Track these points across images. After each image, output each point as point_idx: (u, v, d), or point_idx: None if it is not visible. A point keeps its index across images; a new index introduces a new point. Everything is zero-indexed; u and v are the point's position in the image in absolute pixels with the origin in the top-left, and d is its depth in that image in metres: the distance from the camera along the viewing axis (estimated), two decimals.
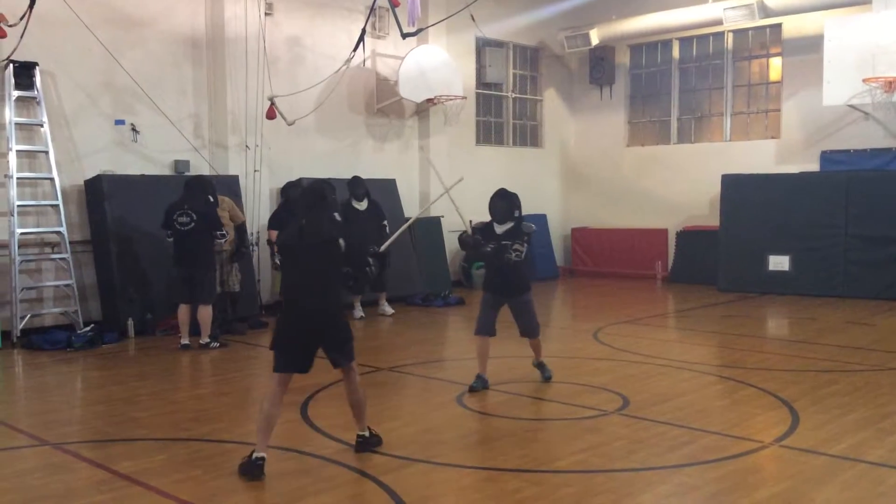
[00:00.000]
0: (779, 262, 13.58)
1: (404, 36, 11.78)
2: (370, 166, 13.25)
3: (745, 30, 15.21)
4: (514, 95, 16.62)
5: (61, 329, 9.77)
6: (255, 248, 11.74)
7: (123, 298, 10.18)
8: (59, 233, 10.10)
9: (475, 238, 7.16)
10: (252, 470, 4.99)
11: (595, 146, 17.16)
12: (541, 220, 16.55)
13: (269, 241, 10.88)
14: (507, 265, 6.98)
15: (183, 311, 9.35)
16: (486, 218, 7.34)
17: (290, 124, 11.93)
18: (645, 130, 16.82)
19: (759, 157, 14.82)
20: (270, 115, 11.71)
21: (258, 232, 11.83)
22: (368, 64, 13.53)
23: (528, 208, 16.31)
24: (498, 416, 6.42)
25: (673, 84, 16.29)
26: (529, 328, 7.28)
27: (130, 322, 10.04)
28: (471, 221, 7.51)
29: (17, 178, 9.81)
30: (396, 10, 11.17)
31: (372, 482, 4.92)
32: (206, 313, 9.28)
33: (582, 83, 17.20)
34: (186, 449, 5.53)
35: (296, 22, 12.67)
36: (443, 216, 13.71)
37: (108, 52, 10.37)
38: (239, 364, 8.66)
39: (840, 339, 9.54)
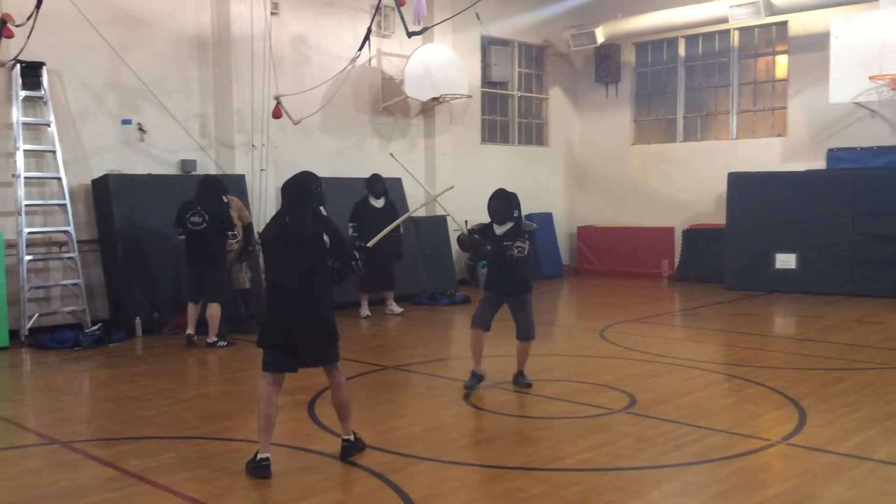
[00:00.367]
0: (785, 260, 13.55)
1: (410, 35, 11.79)
2: (376, 165, 13.22)
3: (751, 27, 15.18)
4: (519, 94, 16.61)
5: (69, 328, 9.80)
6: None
7: (131, 297, 10.20)
8: (66, 232, 10.13)
9: (472, 238, 7.08)
10: (258, 470, 4.99)
11: (601, 144, 17.15)
12: (546, 218, 16.57)
13: None
14: (509, 262, 6.88)
15: (191, 307, 9.45)
16: (485, 216, 7.27)
17: (295, 123, 11.95)
18: (651, 128, 16.80)
19: (766, 155, 14.79)
20: (276, 114, 11.73)
21: None
22: (374, 63, 13.53)
23: (533, 207, 16.54)
24: (504, 415, 6.42)
25: (679, 82, 16.26)
26: (526, 330, 7.14)
27: (138, 321, 10.07)
28: (466, 222, 7.49)
29: (25, 178, 9.84)
30: (402, 8, 11.18)
31: (379, 480, 4.93)
32: (213, 312, 9.32)
33: (587, 81, 17.18)
34: (194, 447, 5.55)
35: (301, 21, 12.69)
36: (448, 215, 13.69)
37: (115, 52, 10.40)
38: (246, 363, 8.66)
39: (847, 338, 9.52)
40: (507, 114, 16.48)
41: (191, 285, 9.51)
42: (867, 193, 12.90)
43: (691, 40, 16.06)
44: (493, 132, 16.22)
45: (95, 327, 9.77)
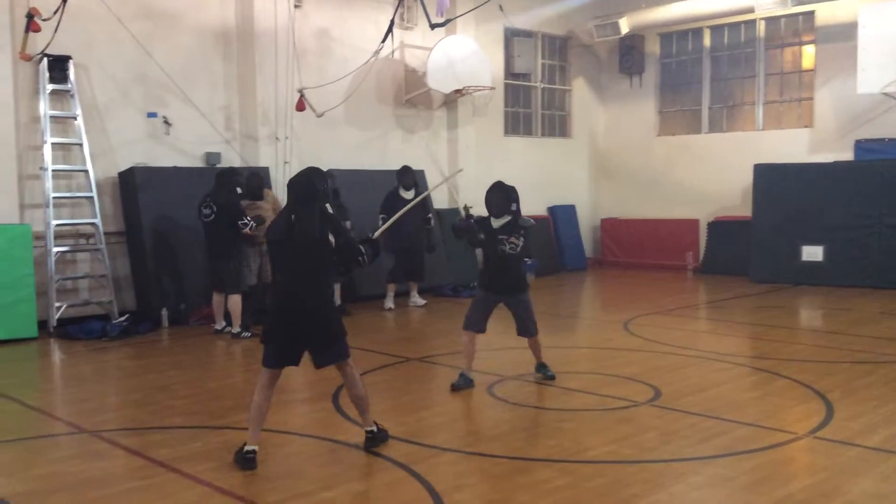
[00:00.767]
0: (812, 253, 13.42)
1: (433, 27, 11.76)
2: (398, 157, 13.25)
3: (778, 17, 15.01)
4: (542, 85, 16.54)
5: (97, 319, 9.91)
6: None
7: (157, 289, 10.30)
8: (93, 224, 10.25)
9: (468, 223, 6.92)
10: (242, 462, 4.99)
11: (625, 136, 17.05)
12: (569, 210, 16.53)
13: None
14: (501, 257, 6.68)
15: (216, 299, 9.56)
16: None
17: (319, 116, 11.98)
18: (675, 120, 16.67)
19: (792, 146, 14.63)
20: (300, 106, 11.77)
21: None
22: (397, 55, 13.54)
23: (556, 199, 16.48)
24: (528, 407, 6.42)
25: (704, 73, 16.12)
26: (526, 327, 6.98)
27: (164, 312, 10.17)
28: (466, 207, 7.43)
29: (52, 171, 9.95)
30: (425, 0, 11.16)
31: (403, 471, 4.94)
32: (232, 303, 9.41)
33: (611, 72, 17.08)
34: (221, 437, 5.60)
35: (324, 14, 12.71)
36: (472, 206, 13.69)
37: (140, 46, 10.47)
38: None
39: (875, 330, 9.41)
40: (530, 105, 16.42)
41: (212, 277, 9.63)
42: (895, 185, 12.73)
43: (717, 30, 15.91)
44: (517, 124, 16.18)
45: (122, 318, 9.88)
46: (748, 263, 14.04)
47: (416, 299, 11.76)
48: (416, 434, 5.68)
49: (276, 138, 11.85)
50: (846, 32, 13.55)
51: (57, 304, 9.82)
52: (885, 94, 12.81)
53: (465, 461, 5.23)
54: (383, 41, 11.78)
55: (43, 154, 9.93)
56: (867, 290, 12.48)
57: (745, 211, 14.51)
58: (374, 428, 5.37)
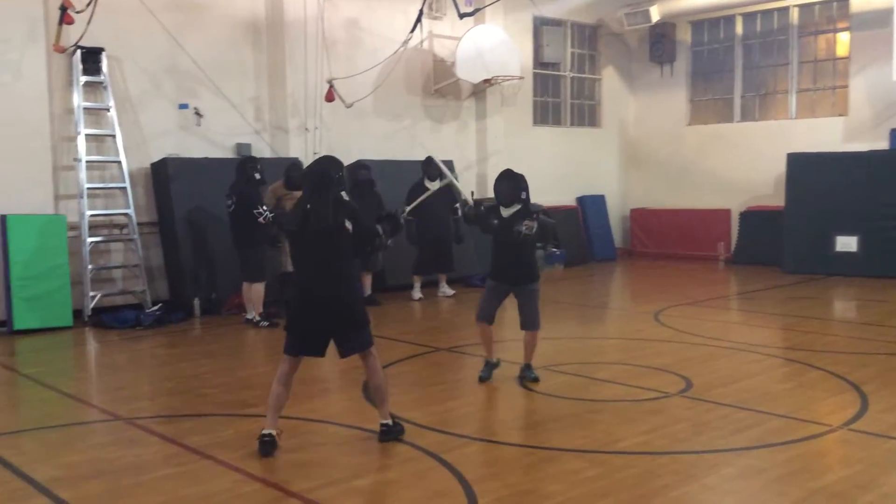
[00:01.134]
0: (846, 243, 13.23)
1: (461, 16, 11.74)
2: (427, 147, 13.25)
3: (812, 4, 14.78)
4: (571, 75, 16.44)
5: (130, 308, 10.04)
6: None
7: (189, 279, 10.41)
8: (126, 214, 10.36)
9: (477, 209, 6.81)
10: (260, 446, 5.04)
11: (655, 125, 16.90)
12: (599, 200, 16.44)
13: None
14: (512, 245, 6.55)
15: (245, 288, 9.68)
16: (536, 199, 7.07)
17: (348, 106, 12.01)
18: (707, 108, 16.49)
19: (826, 135, 14.41)
20: (329, 97, 11.80)
21: None
22: (425, 45, 13.52)
23: (585, 189, 16.41)
24: (558, 397, 6.39)
25: (736, 61, 15.92)
26: (531, 320, 6.73)
27: (196, 302, 10.27)
28: (472, 193, 7.33)
29: (86, 162, 10.07)
30: None
31: (434, 460, 4.96)
32: (250, 291, 9.52)
33: (642, 61, 16.92)
34: (253, 425, 5.64)
35: (353, 4, 12.71)
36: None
37: (172, 37, 10.55)
38: None
39: None
40: (559, 95, 16.33)
41: (241, 266, 9.74)
42: None
43: (749, 18, 15.69)
44: (545, 114, 16.10)
45: (156, 307, 10.00)
46: (780, 254, 13.88)
47: (445, 289, 11.77)
48: (445, 423, 5.70)
49: (306, 129, 11.90)
50: (882, 19, 13.31)
51: (91, 294, 9.95)
52: None
53: (494, 451, 5.23)
54: (412, 31, 11.77)
55: (77, 145, 10.05)
56: None
57: (778, 201, 14.33)
58: (390, 421, 5.33)
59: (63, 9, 9.43)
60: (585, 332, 9.57)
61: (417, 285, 11.56)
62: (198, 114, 11.12)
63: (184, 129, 11.11)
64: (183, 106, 11.05)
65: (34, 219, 9.47)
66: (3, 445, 5.35)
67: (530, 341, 6.82)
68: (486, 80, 13.58)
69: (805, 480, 4.59)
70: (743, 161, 15.37)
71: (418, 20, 11.73)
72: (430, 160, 11.51)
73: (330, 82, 11.79)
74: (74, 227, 9.96)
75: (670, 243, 16.27)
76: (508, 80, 13.75)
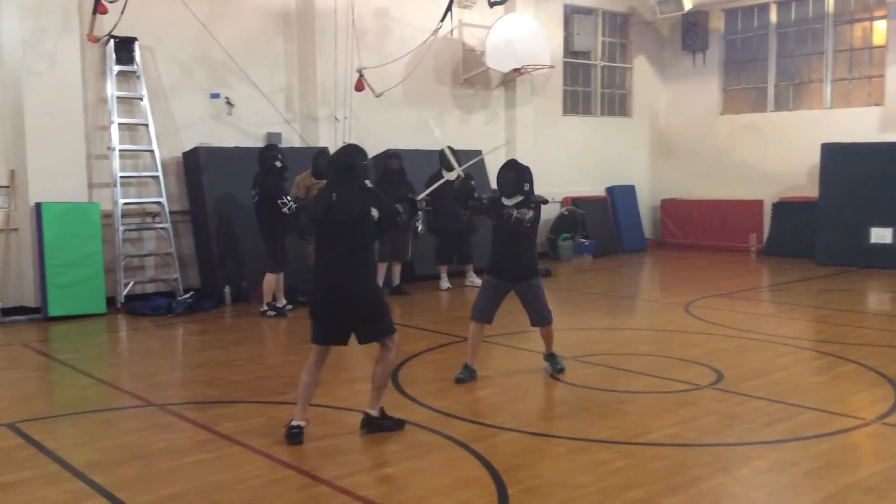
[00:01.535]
0: (881, 235, 13.03)
1: (492, 5, 11.71)
2: (456, 137, 13.17)
3: None
4: (602, 64, 16.31)
5: (162, 296, 10.15)
6: None
7: (220, 267, 10.51)
8: (159, 203, 10.48)
9: (465, 183, 6.61)
10: (288, 437, 5.08)
11: (687, 115, 16.72)
12: (629, 190, 16.33)
13: None
14: (509, 238, 6.34)
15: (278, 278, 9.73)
16: (566, 189, 7.00)
17: (377, 96, 12.02)
18: (740, 98, 16.29)
19: (862, 124, 14.17)
20: (359, 87, 11.82)
21: None
22: (455, 34, 13.49)
23: (615, 179, 16.31)
24: (587, 388, 6.37)
25: (770, 49, 15.69)
26: (541, 316, 6.57)
27: (227, 290, 10.36)
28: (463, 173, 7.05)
29: (120, 150, 10.18)
30: None
31: (463, 449, 4.97)
32: (265, 281, 9.58)
33: (674, 50, 16.75)
34: (283, 412, 5.69)
35: None
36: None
37: (203, 27, 10.60)
38: None
39: None
40: (589, 84, 16.21)
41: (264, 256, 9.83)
42: None
43: (783, 6, 15.46)
44: (575, 103, 15.99)
45: (187, 295, 10.10)
46: (814, 245, 13.70)
47: (473, 279, 11.75)
48: (474, 413, 5.71)
49: (336, 119, 11.93)
50: None
51: (124, 281, 10.08)
52: None
53: (524, 441, 5.23)
54: (442, 20, 11.74)
55: (110, 134, 10.16)
56: None
57: (812, 191, 14.14)
58: (377, 413, 5.27)
59: None
60: (615, 323, 9.52)
61: (444, 275, 11.58)
62: (229, 103, 11.20)
63: (215, 118, 11.19)
64: (214, 95, 11.13)
65: (68, 207, 9.60)
66: (39, 430, 5.45)
67: (546, 335, 6.69)
68: (516, 70, 13.52)
69: (838, 474, 4.54)
70: (776, 151, 15.17)
71: (448, 9, 11.70)
72: (442, 152, 11.47)
73: (360, 72, 11.80)
74: (108, 215, 10.08)
75: (701, 234, 16.12)
76: (538, 69, 13.68)
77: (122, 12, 9.65)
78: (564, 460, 4.83)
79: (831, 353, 7.45)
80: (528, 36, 13.45)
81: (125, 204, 10.22)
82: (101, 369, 7.46)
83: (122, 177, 10.18)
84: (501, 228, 6.43)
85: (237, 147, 11.06)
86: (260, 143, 11.36)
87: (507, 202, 6.38)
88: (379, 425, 5.27)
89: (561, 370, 6.70)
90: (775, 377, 6.60)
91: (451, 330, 8.65)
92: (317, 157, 10.09)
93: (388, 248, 10.75)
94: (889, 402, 5.85)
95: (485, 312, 6.57)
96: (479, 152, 13.29)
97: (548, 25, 14.48)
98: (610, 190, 16.12)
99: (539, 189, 7.11)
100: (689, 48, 16.33)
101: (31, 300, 9.67)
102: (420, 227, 10.82)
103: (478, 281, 11.69)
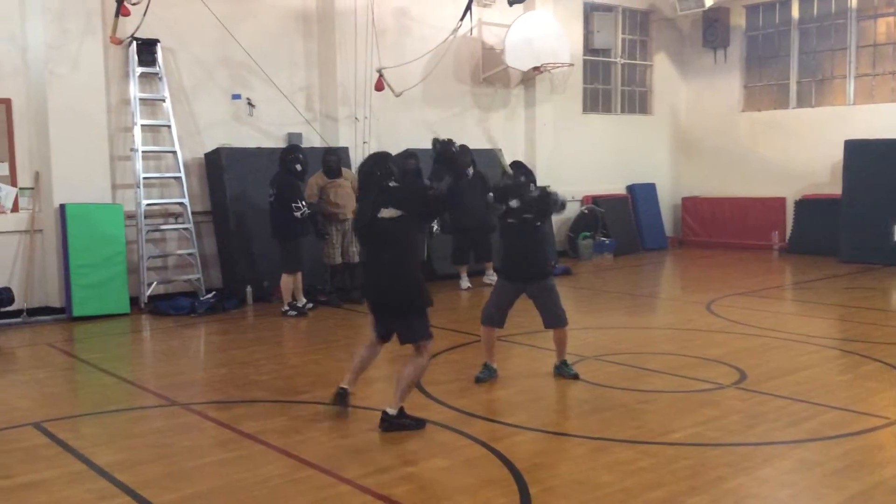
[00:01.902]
0: None
1: (511, 3, 11.69)
2: (476, 136, 13.24)
3: None
4: (622, 61, 16.24)
5: (185, 296, 10.23)
6: None
7: (242, 267, 10.57)
8: (181, 204, 10.56)
9: (446, 144, 6.56)
10: (334, 396, 5.58)
11: (708, 112, 16.62)
12: (649, 189, 16.24)
13: None
14: (518, 238, 6.31)
15: (292, 278, 9.77)
16: (586, 187, 6.96)
17: (397, 95, 12.03)
18: (762, 94, 16.16)
19: (885, 121, 13.99)
20: (379, 86, 11.84)
21: None
22: (475, 33, 13.47)
23: (636, 177, 16.24)
24: (608, 387, 6.35)
25: (792, 45, 15.56)
26: (555, 317, 6.47)
27: (249, 290, 10.43)
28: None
29: (142, 152, 10.27)
30: None
31: (484, 448, 4.98)
32: (282, 281, 9.64)
33: (694, 47, 16.64)
34: (305, 411, 5.73)
35: None
36: (548, 185, 13.59)
37: (224, 28, 10.67)
38: (352, 331, 8.88)
39: None
40: (609, 82, 16.15)
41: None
42: None
43: (805, 2, 15.32)
44: (595, 101, 15.94)
45: (210, 295, 10.17)
46: (837, 243, 13.58)
47: (493, 277, 11.72)
48: (495, 412, 5.72)
49: (356, 118, 11.96)
50: None
51: (148, 281, 10.17)
52: None
53: (545, 440, 5.23)
54: (462, 19, 11.73)
55: (133, 136, 10.25)
56: None
57: (835, 189, 14.01)
58: (394, 412, 5.29)
59: (119, 1, 9.60)
60: (636, 322, 9.48)
61: (464, 275, 11.58)
62: (250, 104, 11.26)
63: (236, 118, 11.26)
64: (236, 96, 11.19)
65: (92, 208, 9.70)
66: (63, 429, 5.51)
67: (559, 338, 6.58)
68: (536, 68, 13.49)
69: (863, 474, 4.50)
70: (798, 148, 15.03)
71: (468, 8, 11.69)
72: (463, 149, 11.46)
73: (379, 71, 11.82)
74: (131, 216, 10.17)
75: (723, 232, 16.01)
76: (558, 67, 13.64)
77: (144, 14, 9.74)
78: (586, 460, 4.83)
79: (855, 351, 7.39)
80: (547, 34, 13.42)
81: (148, 205, 10.31)
82: (126, 369, 7.53)
83: (144, 178, 10.26)
84: (509, 229, 6.43)
85: (258, 147, 11.12)
86: (281, 144, 11.43)
87: (513, 202, 6.38)
88: (397, 424, 5.29)
89: (574, 377, 6.56)
90: (799, 376, 6.55)
91: (472, 329, 8.63)
92: (326, 155, 10.15)
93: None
94: None
95: (493, 317, 6.53)
96: (498, 151, 13.33)
97: (567, 23, 14.44)
98: (630, 188, 16.05)
99: (559, 187, 7.11)
100: (710, 45, 16.22)
101: (56, 301, 9.78)
102: (435, 227, 10.86)
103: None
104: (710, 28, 16.04)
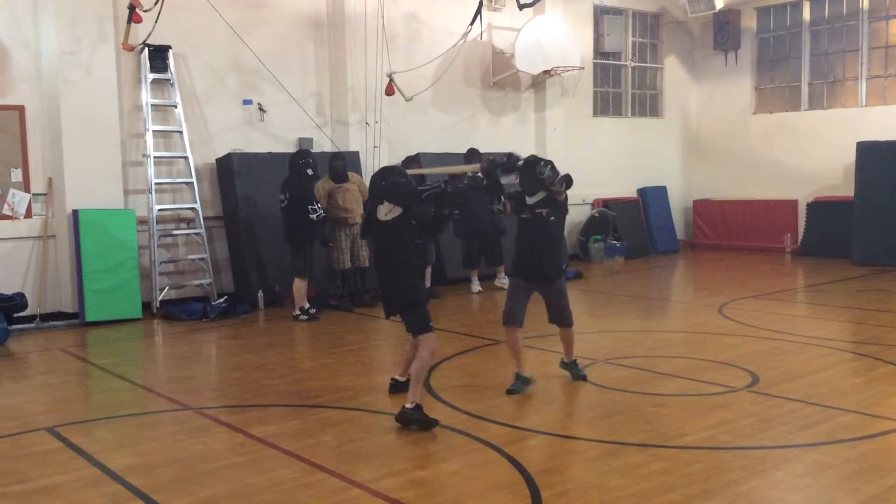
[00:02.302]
0: None
1: (521, 7, 11.69)
2: (486, 140, 13.22)
3: None
4: (633, 64, 16.22)
5: (197, 300, 10.27)
6: None
7: (253, 272, 10.61)
8: (193, 209, 10.60)
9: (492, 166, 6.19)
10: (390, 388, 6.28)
11: (719, 114, 16.58)
12: (660, 192, 16.21)
13: None
14: (532, 237, 6.20)
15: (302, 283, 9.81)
16: (596, 190, 6.92)
17: (408, 100, 12.05)
18: (773, 96, 16.11)
19: None
20: (389, 91, 11.87)
21: None
22: (484, 37, 13.50)
23: (647, 180, 16.20)
24: (620, 391, 6.33)
25: (803, 47, 15.51)
26: (560, 315, 6.42)
27: (260, 294, 10.46)
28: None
29: (154, 157, 10.32)
30: None
31: (495, 452, 4.97)
32: (295, 286, 9.67)
33: (705, 49, 16.61)
34: (317, 415, 5.73)
35: None
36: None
37: (235, 34, 10.72)
38: (363, 335, 8.90)
39: None
40: (619, 85, 16.14)
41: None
42: None
43: (817, 3, 15.27)
44: (606, 104, 15.93)
45: (221, 300, 10.21)
46: (849, 245, 13.51)
47: (504, 281, 11.72)
48: (506, 416, 5.70)
49: (366, 123, 11.98)
50: None
51: (160, 286, 10.21)
52: None
53: (557, 444, 5.21)
54: (472, 23, 11.75)
55: (146, 141, 10.31)
56: None
57: (847, 191, 13.95)
58: (411, 405, 5.45)
59: (131, 8, 9.67)
60: (648, 326, 9.45)
61: (475, 279, 11.58)
62: (261, 109, 11.30)
63: (248, 124, 11.31)
64: (247, 102, 11.24)
65: (104, 213, 9.76)
66: (77, 433, 5.54)
67: (565, 337, 6.54)
68: (546, 72, 13.50)
69: (877, 478, 4.47)
70: (810, 150, 14.98)
71: (478, 12, 11.71)
72: (472, 151, 11.46)
73: (390, 76, 11.85)
74: (143, 221, 10.22)
75: (734, 235, 15.96)
76: (568, 70, 13.65)
77: (156, 21, 9.79)
78: (598, 463, 4.81)
79: (868, 354, 7.34)
80: (557, 37, 13.43)
81: (160, 210, 10.36)
82: (138, 373, 7.56)
83: (156, 183, 10.31)
84: (523, 228, 6.35)
85: (269, 153, 11.16)
86: (292, 149, 11.45)
87: (529, 199, 6.23)
88: (409, 417, 5.41)
89: (583, 377, 6.55)
90: (812, 379, 6.52)
91: (483, 333, 8.66)
92: (332, 160, 10.18)
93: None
94: None
95: (512, 313, 6.36)
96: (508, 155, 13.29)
97: (577, 27, 14.44)
98: (641, 191, 16.02)
99: (570, 191, 7.04)
100: (721, 47, 16.18)
101: (68, 306, 9.83)
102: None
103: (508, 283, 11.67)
104: (720, 30, 16.01)
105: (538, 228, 6.25)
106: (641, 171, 15.98)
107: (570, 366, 6.67)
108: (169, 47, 10.42)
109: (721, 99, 16.54)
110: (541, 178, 6.12)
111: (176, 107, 10.53)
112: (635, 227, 15.47)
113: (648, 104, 16.64)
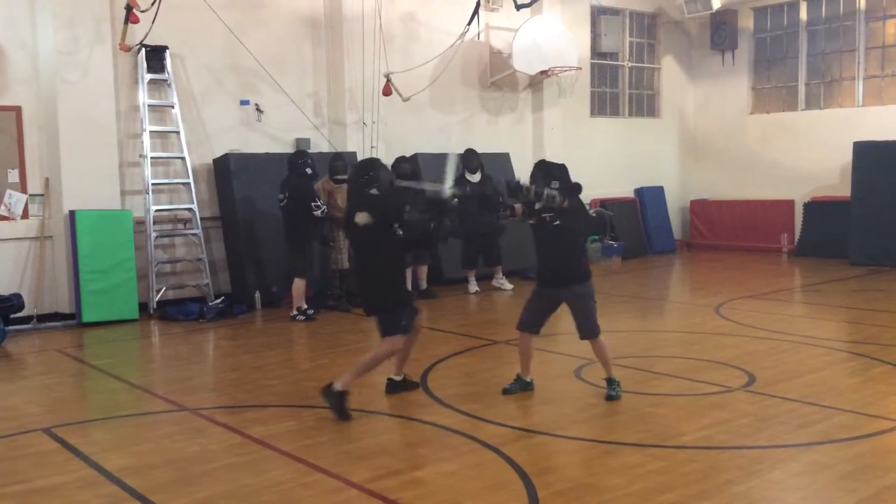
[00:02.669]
0: None
1: (518, 7, 11.68)
2: (484, 140, 13.23)
3: None
4: (630, 64, 16.23)
5: (194, 301, 10.26)
6: None
7: (251, 272, 10.60)
8: (190, 209, 10.59)
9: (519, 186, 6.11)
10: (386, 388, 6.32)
11: (716, 114, 16.59)
12: (657, 192, 16.23)
13: None
14: (549, 241, 6.13)
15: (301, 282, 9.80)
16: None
17: (405, 100, 12.05)
18: (770, 97, 16.13)
19: (894, 122, 13.95)
20: (386, 91, 11.86)
21: None
22: (482, 37, 13.50)
23: (644, 180, 16.21)
24: None
25: (800, 47, 15.53)
26: (585, 326, 6.12)
27: (257, 295, 10.45)
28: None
29: (151, 158, 10.32)
30: None
31: (492, 452, 4.97)
32: (294, 286, 9.65)
33: (702, 49, 16.61)
34: (314, 416, 5.73)
35: None
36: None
37: (233, 34, 10.71)
38: (361, 335, 8.89)
39: None
40: (617, 85, 16.15)
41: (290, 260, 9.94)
42: None
43: (814, 3, 15.29)
44: (603, 104, 15.93)
45: (218, 300, 10.20)
46: (847, 245, 13.52)
47: (503, 282, 11.74)
48: (503, 416, 5.70)
49: (364, 123, 11.98)
50: None
51: (157, 287, 10.20)
52: None
53: (554, 444, 5.22)
54: (469, 24, 11.75)
55: (142, 142, 10.30)
56: None
57: (844, 191, 13.96)
58: (337, 388, 5.70)
59: (128, 8, 9.64)
60: (644, 326, 9.46)
61: (472, 279, 11.58)
62: (258, 110, 11.30)
63: (245, 124, 11.30)
64: (244, 102, 11.23)
65: (101, 214, 9.74)
66: (73, 434, 5.54)
67: (597, 352, 6.19)
68: (543, 72, 13.50)
69: (873, 477, 4.48)
70: (807, 150, 15.00)
71: (475, 12, 11.71)
72: (470, 152, 11.48)
73: (387, 76, 11.85)
74: (140, 221, 10.20)
75: (731, 235, 15.98)
76: (565, 70, 13.65)
77: (153, 21, 9.77)
78: (595, 463, 4.82)
79: (865, 354, 7.35)
80: (554, 38, 13.43)
81: (157, 211, 10.34)
82: (135, 374, 7.56)
83: (153, 184, 10.30)
84: (534, 234, 6.33)
85: (267, 153, 11.15)
86: (289, 149, 11.45)
87: (537, 203, 6.18)
88: (331, 399, 5.69)
89: (614, 398, 6.06)
90: (808, 379, 6.53)
91: (479, 333, 8.66)
92: (333, 161, 10.18)
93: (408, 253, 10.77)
94: None
95: (526, 321, 6.27)
96: (506, 155, 13.33)
97: (574, 27, 14.44)
98: (638, 191, 16.03)
99: None
100: (718, 47, 16.19)
101: (65, 306, 9.82)
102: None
103: (508, 285, 11.69)
104: (717, 30, 16.02)
105: (549, 234, 6.16)
106: (638, 172, 15.99)
107: (607, 382, 6.20)
108: (166, 48, 10.41)
109: (718, 99, 16.56)
110: (538, 192, 6.04)
111: (173, 107, 10.52)
112: (632, 227, 15.48)
113: (645, 104, 16.65)
